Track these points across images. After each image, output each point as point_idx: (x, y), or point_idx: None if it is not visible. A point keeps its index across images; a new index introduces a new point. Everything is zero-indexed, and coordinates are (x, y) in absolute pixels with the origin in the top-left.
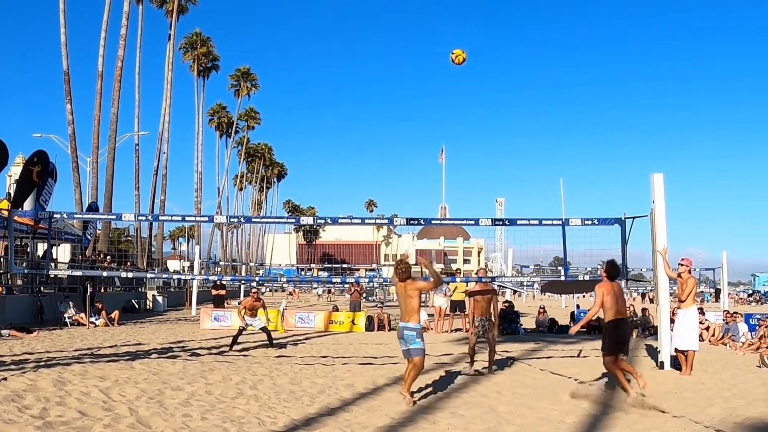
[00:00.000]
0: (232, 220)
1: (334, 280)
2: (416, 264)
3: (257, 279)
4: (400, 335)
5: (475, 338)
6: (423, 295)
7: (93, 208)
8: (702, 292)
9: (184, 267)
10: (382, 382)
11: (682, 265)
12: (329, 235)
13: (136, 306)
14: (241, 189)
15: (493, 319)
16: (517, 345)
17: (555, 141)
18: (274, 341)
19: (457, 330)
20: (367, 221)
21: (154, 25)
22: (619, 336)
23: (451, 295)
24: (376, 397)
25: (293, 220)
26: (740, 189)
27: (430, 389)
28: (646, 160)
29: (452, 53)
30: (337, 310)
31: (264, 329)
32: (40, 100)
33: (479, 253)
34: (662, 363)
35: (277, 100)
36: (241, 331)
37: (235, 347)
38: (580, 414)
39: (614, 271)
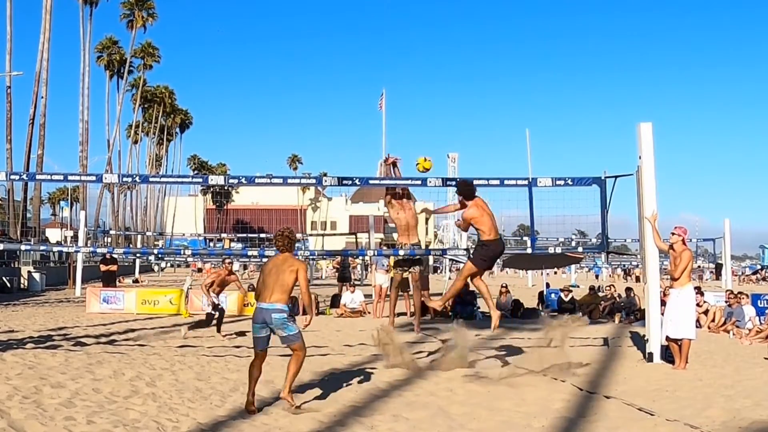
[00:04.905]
0: (125, 179)
1: (249, 253)
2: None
3: (155, 252)
4: (262, 319)
5: (400, 275)
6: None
7: None
8: (700, 267)
9: (66, 237)
10: (308, 377)
11: (674, 234)
12: (244, 197)
13: (8, 285)
14: (136, 142)
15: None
16: (473, 332)
17: (520, 85)
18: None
19: (400, 314)
20: (290, 181)
21: None
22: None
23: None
24: (301, 395)
25: (200, 180)
26: (746, 144)
27: (366, 386)
28: (632, 108)
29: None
30: (254, 290)
31: (222, 311)
32: None
33: (427, 220)
34: (651, 354)
35: (181, 33)
36: (222, 312)
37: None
38: (550, 417)
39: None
